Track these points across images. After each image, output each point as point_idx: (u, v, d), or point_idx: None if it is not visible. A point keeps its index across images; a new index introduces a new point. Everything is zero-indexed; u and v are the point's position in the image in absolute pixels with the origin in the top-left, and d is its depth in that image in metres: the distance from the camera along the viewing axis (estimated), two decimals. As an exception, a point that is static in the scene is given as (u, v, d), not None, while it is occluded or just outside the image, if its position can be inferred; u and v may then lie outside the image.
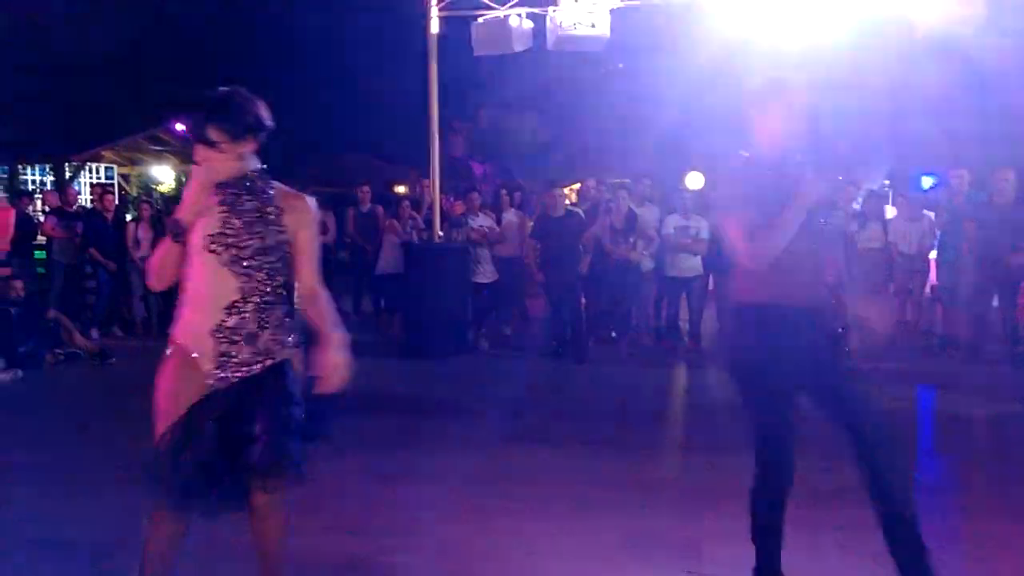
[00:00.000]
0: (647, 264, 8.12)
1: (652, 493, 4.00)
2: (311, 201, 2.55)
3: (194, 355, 2.43)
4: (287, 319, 2.49)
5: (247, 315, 2.39)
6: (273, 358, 2.43)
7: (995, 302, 7.41)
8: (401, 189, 20.54)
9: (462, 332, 7.98)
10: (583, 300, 7.95)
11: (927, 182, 17.43)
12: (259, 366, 2.41)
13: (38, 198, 14.40)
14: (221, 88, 2.46)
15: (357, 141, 23.66)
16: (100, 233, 9.13)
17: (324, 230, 8.88)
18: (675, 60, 25.80)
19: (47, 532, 3.54)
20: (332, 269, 9.18)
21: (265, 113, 2.47)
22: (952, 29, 7.94)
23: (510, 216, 8.55)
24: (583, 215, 8.08)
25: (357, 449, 4.75)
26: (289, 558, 2.57)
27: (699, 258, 8.05)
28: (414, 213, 9.23)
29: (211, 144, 2.37)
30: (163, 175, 19.02)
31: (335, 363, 2.43)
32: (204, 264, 2.39)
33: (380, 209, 9.45)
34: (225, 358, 2.39)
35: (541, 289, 8.05)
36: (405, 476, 4.25)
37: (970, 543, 3.45)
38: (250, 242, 2.39)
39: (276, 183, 2.54)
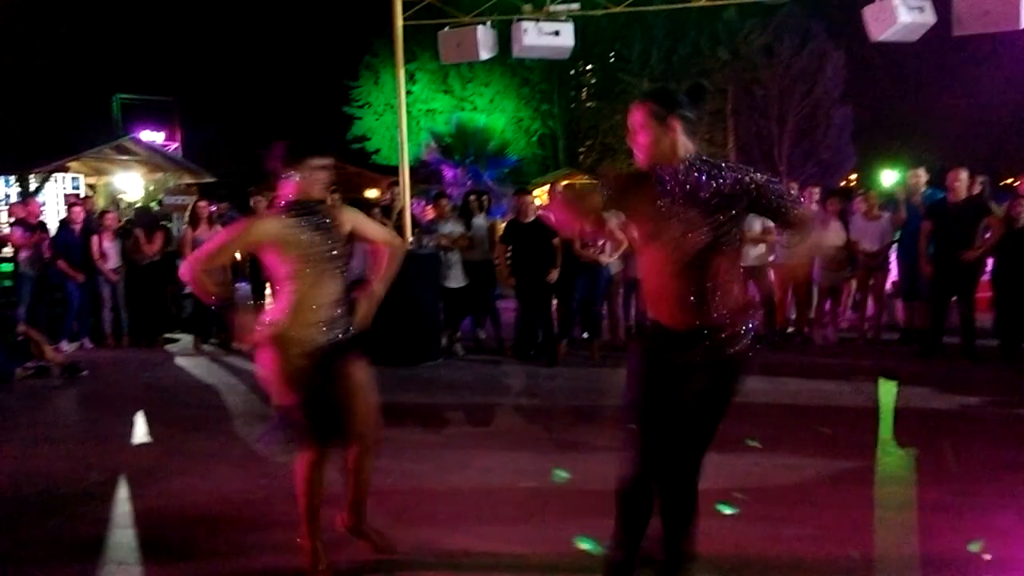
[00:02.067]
0: (616, 266, 8.25)
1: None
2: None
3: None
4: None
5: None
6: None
7: (953, 297, 7.64)
8: (372, 194, 20.54)
9: (434, 338, 8.05)
10: (554, 303, 8.06)
11: (891, 178, 17.81)
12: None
13: (2, 211, 14.21)
14: None
15: (328, 147, 23.70)
16: (69, 244, 9.07)
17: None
18: (647, 56, 25.81)
19: (29, 547, 3.55)
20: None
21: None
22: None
23: (479, 221, 8.64)
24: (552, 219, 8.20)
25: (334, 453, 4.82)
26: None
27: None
28: (385, 219, 9.26)
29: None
30: (130, 185, 18.84)
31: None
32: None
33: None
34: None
35: (512, 293, 8.15)
36: (378, 482, 4.31)
37: (929, 533, 3.61)
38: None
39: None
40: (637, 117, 2.66)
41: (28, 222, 9.46)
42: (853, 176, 28.02)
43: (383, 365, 7.30)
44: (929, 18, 7.69)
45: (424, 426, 5.52)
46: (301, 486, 3.19)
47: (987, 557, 3.28)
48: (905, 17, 7.53)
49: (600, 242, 8.00)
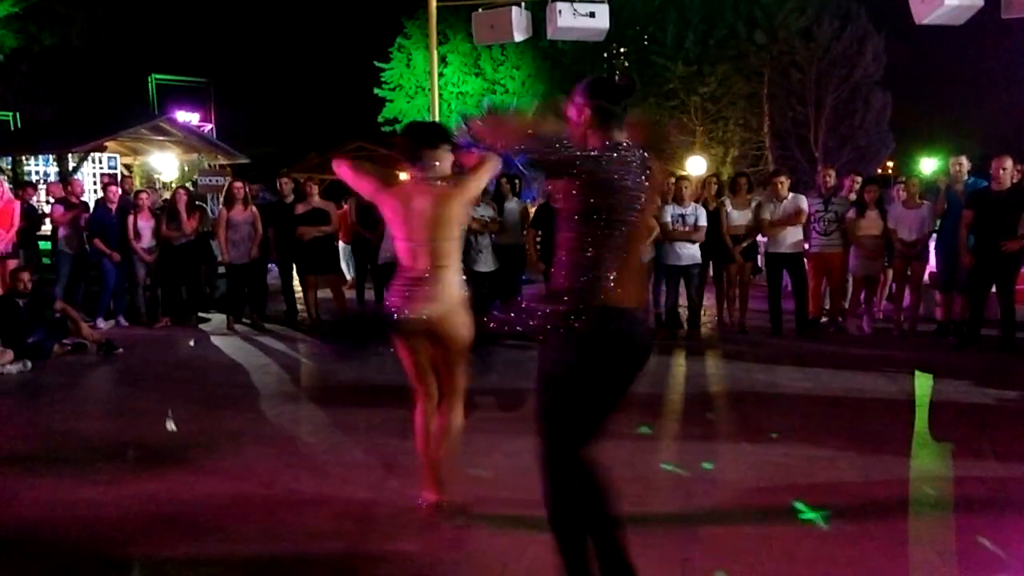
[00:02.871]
0: (646, 254, 8.17)
1: (647, 484, 4.08)
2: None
3: None
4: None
5: None
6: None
7: (992, 288, 7.47)
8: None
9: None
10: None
11: (930, 166, 17.41)
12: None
13: (42, 188, 14.45)
14: None
15: (363, 130, 23.78)
16: (104, 224, 9.21)
17: (327, 220, 8.94)
18: (680, 38, 25.49)
19: (48, 526, 3.63)
20: (334, 259, 9.30)
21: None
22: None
23: (511, 205, 8.60)
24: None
25: (365, 434, 4.86)
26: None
27: (697, 246, 8.11)
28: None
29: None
30: (165, 165, 19.06)
31: None
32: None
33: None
34: None
35: (541, 278, 8.11)
36: (407, 463, 4.33)
37: (963, 530, 3.53)
38: None
39: None
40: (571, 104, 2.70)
41: (70, 200, 9.63)
42: (890, 164, 27.49)
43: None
44: (977, 0, 7.47)
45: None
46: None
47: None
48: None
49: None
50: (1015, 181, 7.44)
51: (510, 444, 4.45)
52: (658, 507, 3.73)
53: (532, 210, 9.21)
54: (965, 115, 25.29)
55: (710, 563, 3.15)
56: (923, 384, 6.41)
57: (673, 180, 8.48)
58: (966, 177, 8.06)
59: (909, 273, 8.23)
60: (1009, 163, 7.30)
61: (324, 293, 9.10)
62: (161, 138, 18.61)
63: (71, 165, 17.38)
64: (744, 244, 8.34)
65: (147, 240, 9.28)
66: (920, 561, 3.22)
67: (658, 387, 6.42)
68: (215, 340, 8.51)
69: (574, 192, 2.54)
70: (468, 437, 3.79)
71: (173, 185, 15.93)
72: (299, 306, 9.39)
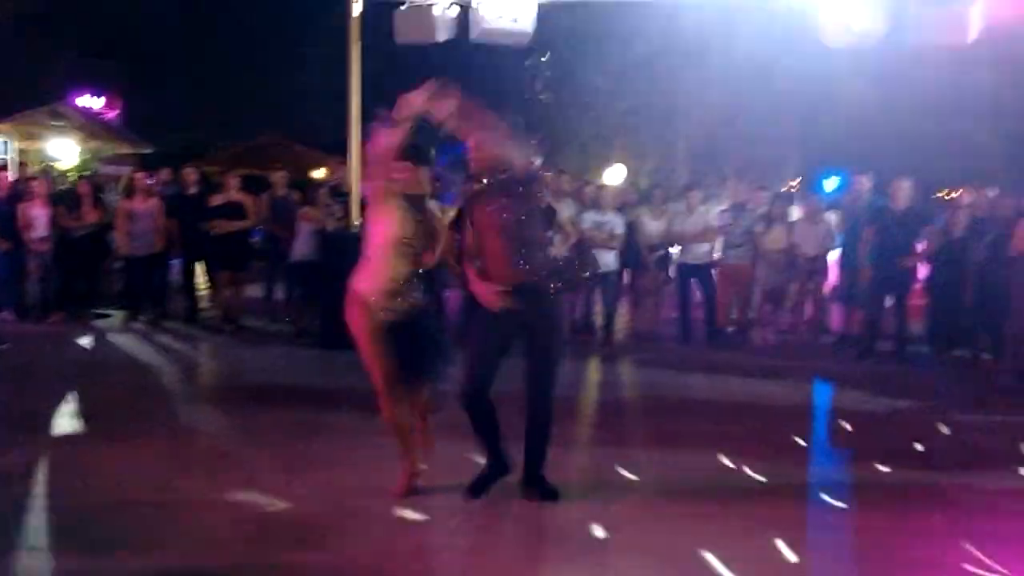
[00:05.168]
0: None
1: (560, 489, 4.07)
2: None
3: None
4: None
5: None
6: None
7: (888, 303, 7.83)
8: (318, 174, 20.13)
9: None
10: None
11: (830, 185, 18.18)
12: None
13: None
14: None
15: (277, 124, 23.11)
16: (-8, 212, 8.63)
17: (244, 214, 8.58)
18: (602, 52, 26.02)
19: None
20: (246, 255, 8.92)
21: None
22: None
23: (429, 206, 8.48)
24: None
25: (269, 437, 4.67)
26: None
27: (614, 254, 8.21)
28: (333, 200, 9.03)
29: None
30: (63, 152, 18.06)
31: None
32: None
33: (296, 195, 9.23)
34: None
35: (459, 283, 8.03)
36: (321, 464, 4.19)
37: (854, 534, 3.65)
38: None
39: None
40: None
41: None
42: (793, 183, 28.59)
43: (335, 348, 7.21)
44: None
45: (365, 410, 5.40)
46: None
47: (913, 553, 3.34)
48: None
49: (549, 234, 7.94)
50: (914, 202, 7.82)
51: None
52: (567, 508, 3.71)
53: (451, 213, 9.12)
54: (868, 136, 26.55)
55: (619, 565, 3.15)
56: (823, 392, 6.65)
57: (593, 188, 8.57)
58: (866, 195, 8.42)
59: (811, 287, 8.55)
60: (907, 184, 7.68)
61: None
62: (60, 123, 17.63)
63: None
64: (658, 254, 8.49)
65: (41, 230, 8.74)
66: (820, 556, 3.30)
67: (572, 392, 6.45)
68: (111, 337, 8.08)
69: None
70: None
71: (70, 174, 15.09)
72: (203, 304, 9.01)
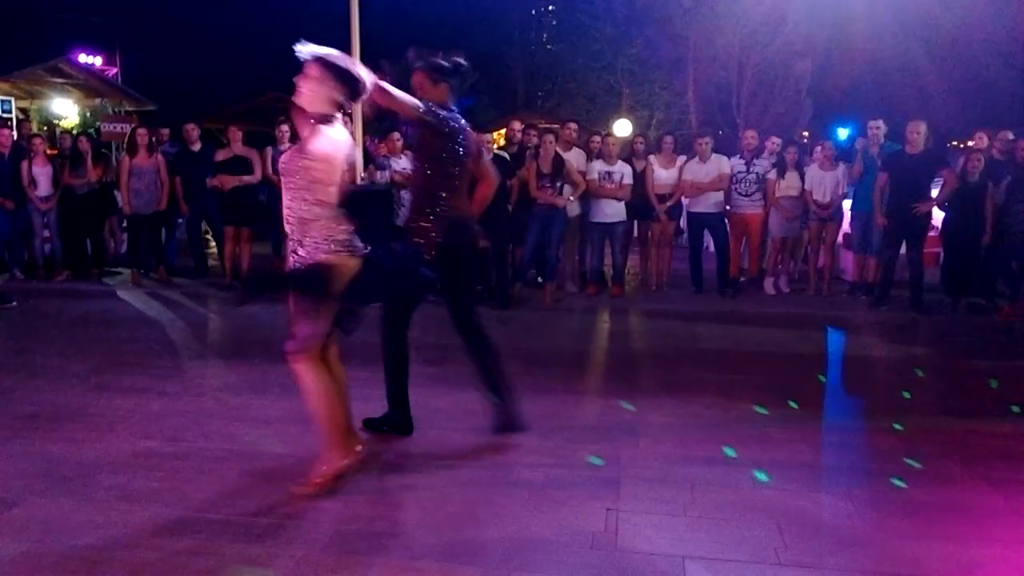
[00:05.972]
0: (573, 209, 8.11)
1: (572, 436, 4.04)
2: None
3: None
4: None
5: None
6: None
7: (903, 250, 7.71)
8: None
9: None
10: (509, 245, 7.90)
11: (844, 133, 17.90)
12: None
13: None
14: None
15: (282, 80, 22.89)
16: (-5, 170, 8.55)
17: (249, 168, 8.45)
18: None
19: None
20: (254, 211, 8.81)
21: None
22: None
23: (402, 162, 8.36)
24: (508, 159, 7.99)
25: (277, 393, 4.65)
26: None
27: (623, 204, 8.10)
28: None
29: None
30: (65, 109, 17.91)
31: None
32: None
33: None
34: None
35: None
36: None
37: (868, 475, 3.62)
38: None
39: None
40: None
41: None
42: (805, 133, 28.18)
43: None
44: None
45: (367, 365, 5.37)
46: None
47: (917, 497, 3.31)
48: None
49: (558, 184, 7.84)
50: (929, 146, 7.64)
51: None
52: (581, 456, 3.70)
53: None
54: (878, 85, 26.05)
55: (635, 509, 3.13)
56: (836, 340, 6.59)
57: (600, 138, 8.42)
58: (882, 140, 8.24)
59: (824, 234, 8.42)
60: (923, 127, 7.49)
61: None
62: (61, 80, 17.44)
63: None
64: (669, 204, 8.37)
65: (44, 188, 8.67)
66: (834, 505, 3.27)
67: (583, 343, 6.41)
68: (120, 294, 8.06)
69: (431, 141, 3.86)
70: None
71: (74, 131, 14.97)
72: (211, 261, 8.96)
